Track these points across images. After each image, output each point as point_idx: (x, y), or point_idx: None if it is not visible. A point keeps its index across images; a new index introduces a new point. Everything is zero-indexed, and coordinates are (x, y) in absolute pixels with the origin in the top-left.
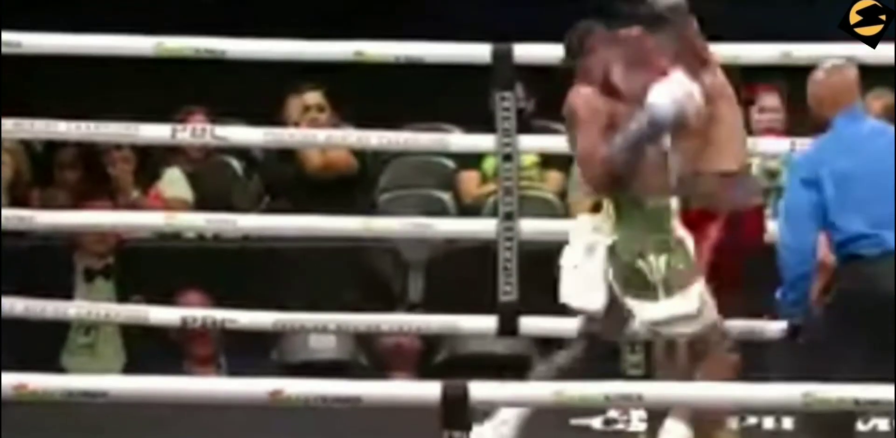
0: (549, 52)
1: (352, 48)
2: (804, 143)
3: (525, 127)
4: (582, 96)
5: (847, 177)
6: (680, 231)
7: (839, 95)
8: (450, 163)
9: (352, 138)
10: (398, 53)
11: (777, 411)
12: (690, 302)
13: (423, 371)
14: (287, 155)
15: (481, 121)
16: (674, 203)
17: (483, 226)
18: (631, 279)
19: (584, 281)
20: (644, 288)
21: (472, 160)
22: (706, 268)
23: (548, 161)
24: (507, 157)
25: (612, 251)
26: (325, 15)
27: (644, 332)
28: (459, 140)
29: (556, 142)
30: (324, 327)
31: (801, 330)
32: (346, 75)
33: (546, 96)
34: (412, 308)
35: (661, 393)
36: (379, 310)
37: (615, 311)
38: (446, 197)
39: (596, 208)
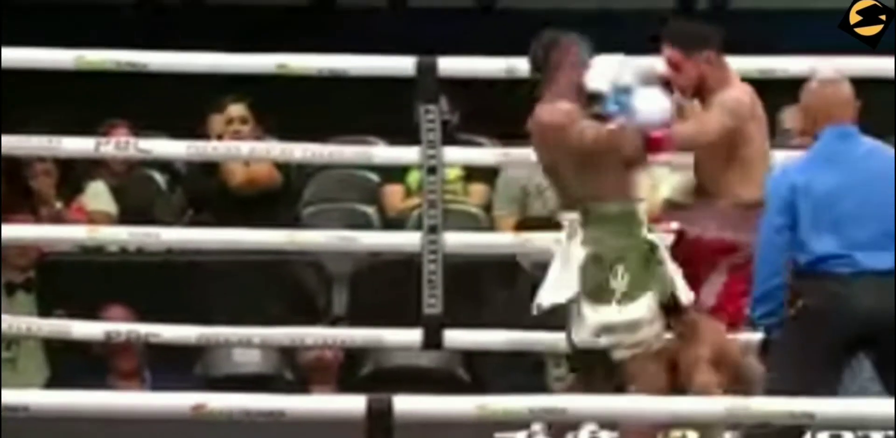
0: (473, 65)
1: (274, 61)
2: None
3: (449, 140)
4: (563, 111)
5: (828, 194)
6: (651, 237)
7: (831, 108)
8: (374, 177)
9: (275, 151)
10: (321, 66)
11: (701, 424)
12: (640, 310)
13: (346, 384)
14: (210, 168)
15: (405, 134)
16: (642, 208)
17: (407, 240)
18: (590, 284)
19: (556, 284)
20: (601, 292)
21: (396, 174)
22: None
23: (472, 174)
24: (432, 170)
25: (594, 259)
26: (248, 28)
27: (585, 341)
28: (383, 152)
29: (481, 155)
30: (248, 341)
31: (769, 344)
32: (269, 88)
33: (470, 109)
34: (336, 321)
35: (585, 407)
36: (303, 324)
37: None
38: (370, 210)
39: (521, 224)
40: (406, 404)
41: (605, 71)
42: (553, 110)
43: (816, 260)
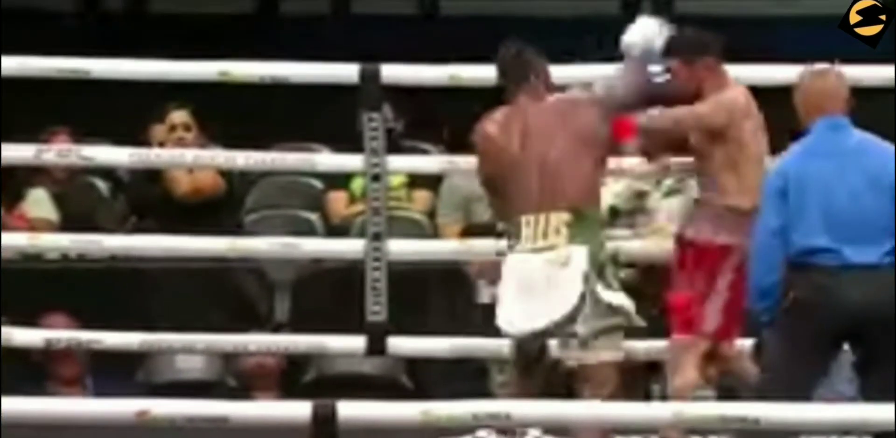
0: (416, 73)
1: (217, 68)
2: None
3: (393, 147)
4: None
5: (819, 186)
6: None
7: (822, 100)
8: (317, 184)
9: (219, 158)
10: (264, 73)
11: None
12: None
13: (289, 391)
14: (153, 175)
15: (349, 142)
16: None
17: (351, 246)
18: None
19: (555, 299)
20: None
21: (339, 180)
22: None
23: (415, 181)
24: (376, 177)
25: (591, 258)
26: (190, 35)
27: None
28: (327, 160)
29: (425, 163)
30: (191, 347)
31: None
32: (212, 96)
33: (414, 116)
34: (278, 328)
35: (529, 412)
36: (245, 330)
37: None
38: (314, 217)
39: (465, 231)
40: (350, 410)
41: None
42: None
43: (805, 251)
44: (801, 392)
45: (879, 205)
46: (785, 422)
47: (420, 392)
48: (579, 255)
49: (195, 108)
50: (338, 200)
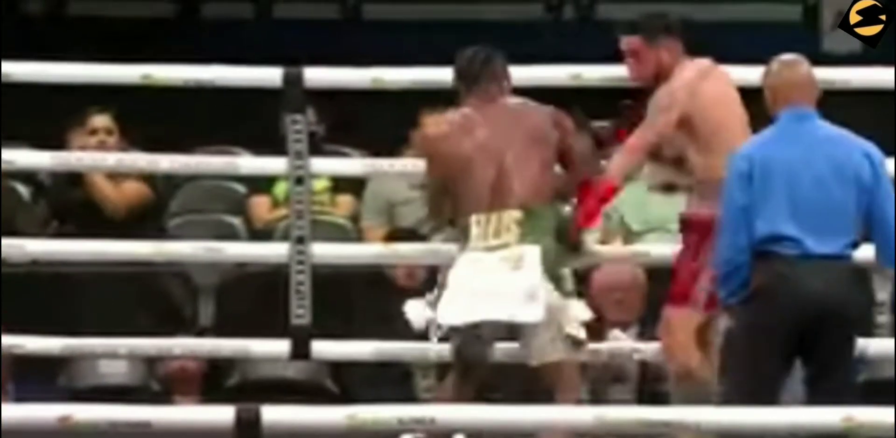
0: (339, 76)
1: (139, 71)
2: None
3: (316, 150)
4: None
5: (783, 174)
6: None
7: (789, 89)
8: (240, 188)
9: (141, 162)
10: (187, 77)
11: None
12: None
13: (212, 395)
14: (75, 179)
15: (271, 145)
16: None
17: (275, 250)
18: (557, 283)
19: (516, 295)
20: (567, 293)
21: (262, 185)
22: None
23: (339, 186)
24: (299, 181)
25: (544, 257)
26: (112, 39)
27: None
28: (250, 163)
29: (348, 166)
30: (114, 351)
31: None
32: (134, 99)
33: (337, 120)
34: (202, 332)
35: (454, 417)
36: (170, 335)
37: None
38: (237, 221)
39: (389, 235)
40: (274, 414)
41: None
42: (558, 111)
43: (768, 239)
44: (763, 382)
45: (843, 196)
46: (709, 425)
47: (344, 396)
48: (532, 256)
49: (116, 112)
50: (260, 205)
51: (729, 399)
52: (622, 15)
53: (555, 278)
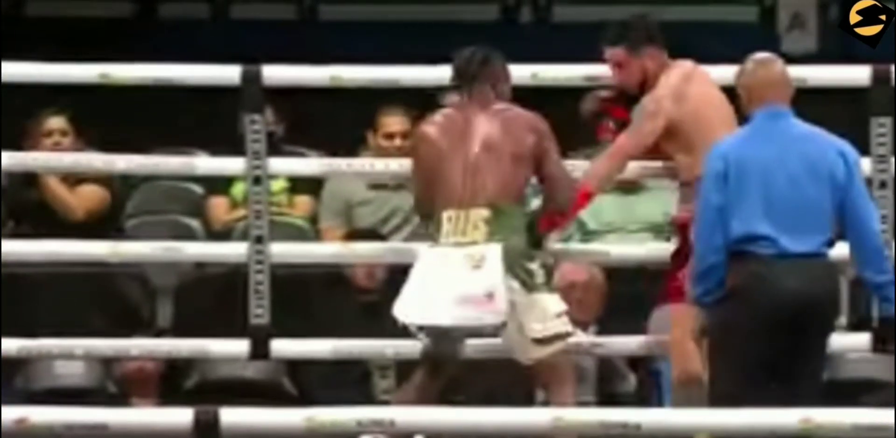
0: (297, 74)
1: (96, 70)
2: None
3: (274, 151)
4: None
5: (758, 173)
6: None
7: (764, 88)
8: (198, 189)
9: (97, 162)
10: (145, 75)
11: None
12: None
13: (170, 397)
14: (30, 179)
15: (228, 145)
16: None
17: (233, 250)
18: (514, 284)
19: (475, 295)
20: (535, 287)
21: (219, 186)
22: None
23: (296, 186)
24: (257, 181)
25: (506, 256)
26: (70, 38)
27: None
28: (208, 163)
29: (306, 166)
30: (70, 353)
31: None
32: (90, 100)
33: (295, 120)
34: (160, 333)
35: (413, 419)
36: (128, 336)
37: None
38: (194, 222)
39: (348, 236)
40: (233, 416)
41: None
42: (537, 115)
43: (745, 239)
44: (745, 381)
45: (818, 194)
46: (666, 428)
47: (303, 397)
48: (494, 255)
49: (72, 113)
50: (218, 206)
51: (715, 399)
52: (579, 17)
53: (523, 274)
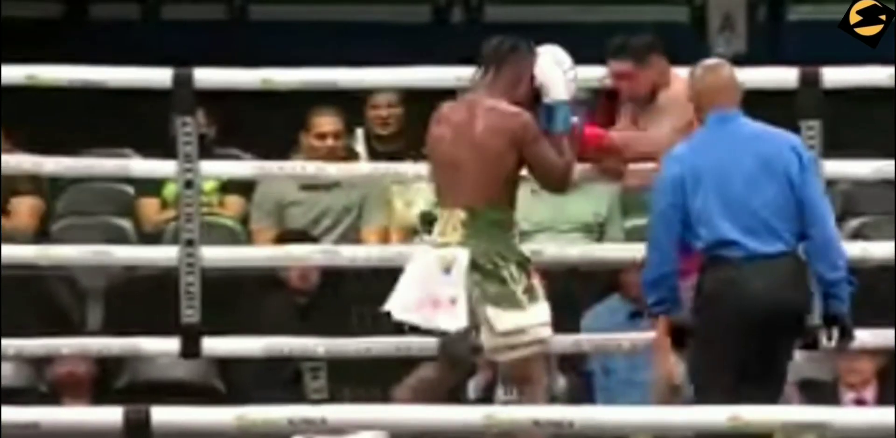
0: (229, 77)
1: (23, 72)
2: None
3: (206, 153)
4: (525, 116)
5: (714, 178)
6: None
7: (714, 94)
8: (129, 190)
9: (26, 164)
10: (73, 77)
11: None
12: (546, 311)
13: (101, 397)
14: None
15: (158, 147)
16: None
17: (164, 253)
18: (490, 288)
19: (440, 299)
20: (505, 296)
21: (151, 187)
22: None
23: (228, 187)
24: (188, 184)
25: (472, 261)
26: None
27: (493, 343)
28: (140, 165)
29: (238, 169)
30: (1, 353)
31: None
32: (19, 101)
33: (226, 123)
34: (91, 336)
35: (345, 417)
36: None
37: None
38: (126, 224)
39: (279, 237)
40: (164, 415)
41: (562, 84)
42: (518, 113)
43: (713, 245)
44: (721, 387)
45: (776, 192)
46: (599, 425)
47: (234, 398)
48: (462, 261)
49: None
50: (149, 206)
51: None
52: (510, 17)
53: (488, 282)
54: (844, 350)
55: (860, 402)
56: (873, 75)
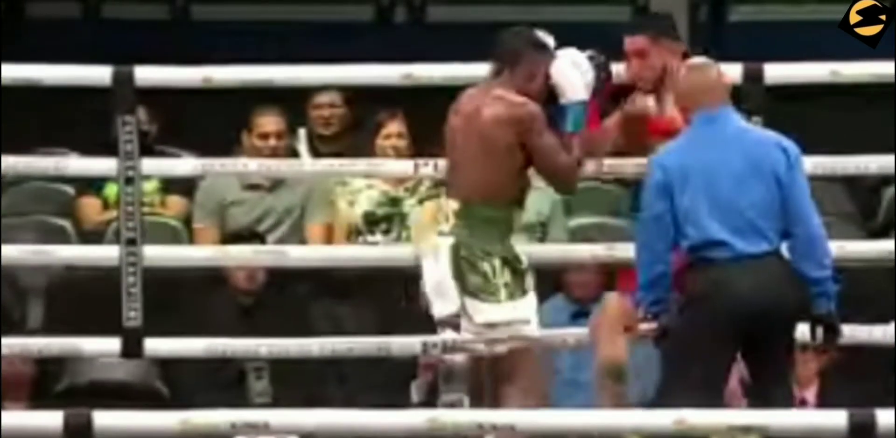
0: (170, 75)
1: None
2: (427, 164)
3: (147, 151)
4: (532, 107)
5: (701, 178)
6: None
7: (699, 94)
8: (69, 189)
9: None
10: (15, 76)
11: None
12: (530, 308)
13: (41, 401)
14: None
15: (100, 146)
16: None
17: (105, 253)
18: (471, 279)
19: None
20: (485, 289)
21: (91, 186)
22: None
23: (169, 187)
24: (130, 182)
25: (454, 251)
26: None
27: (472, 333)
28: (80, 164)
29: (179, 167)
30: None
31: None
32: None
33: (168, 121)
34: (31, 335)
35: (287, 421)
36: None
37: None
38: (66, 223)
39: (222, 236)
40: (106, 419)
41: (579, 86)
42: (524, 102)
43: (700, 245)
44: (704, 386)
45: (764, 192)
46: (540, 428)
47: (176, 400)
48: (445, 250)
49: None
50: (90, 206)
51: (672, 401)
52: (453, 17)
53: (471, 273)
54: (831, 347)
55: (802, 402)
56: (814, 72)
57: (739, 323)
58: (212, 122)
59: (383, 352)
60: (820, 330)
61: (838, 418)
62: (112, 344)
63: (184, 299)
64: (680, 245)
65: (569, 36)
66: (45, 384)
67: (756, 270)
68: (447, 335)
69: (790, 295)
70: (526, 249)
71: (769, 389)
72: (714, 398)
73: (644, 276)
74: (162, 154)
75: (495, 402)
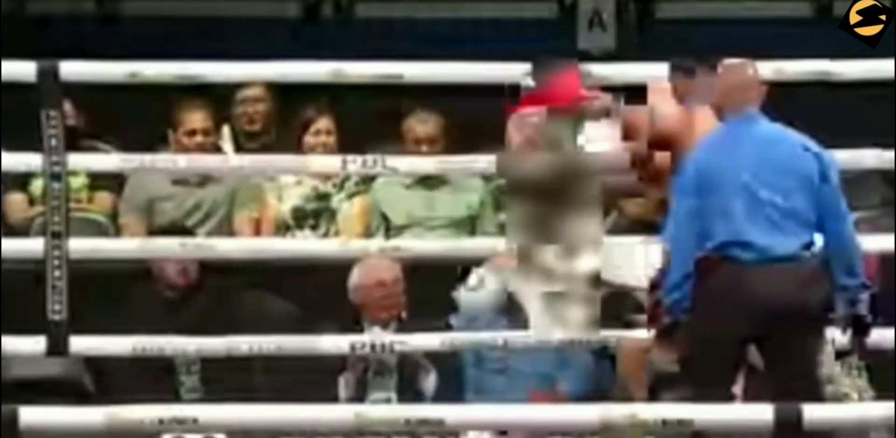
0: (95, 70)
1: None
2: (355, 160)
3: (74, 146)
4: None
5: (730, 178)
6: None
7: (736, 92)
8: None
9: None
10: None
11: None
12: None
13: None
14: None
15: (22, 141)
16: None
17: (30, 246)
18: None
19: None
20: None
21: (16, 182)
22: None
23: (96, 183)
24: (56, 177)
25: None
26: None
27: None
28: (5, 159)
29: (106, 162)
30: None
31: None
32: None
33: (95, 116)
34: None
35: (217, 416)
36: None
37: None
38: None
39: (151, 232)
40: (33, 415)
41: None
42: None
43: (724, 245)
44: (716, 387)
45: (795, 195)
46: (469, 423)
47: (104, 391)
48: None
49: None
50: (15, 202)
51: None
52: (381, 13)
53: None
54: (860, 346)
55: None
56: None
57: (752, 323)
58: (140, 118)
59: (311, 351)
60: (849, 331)
61: (765, 412)
62: (37, 342)
63: (111, 293)
64: (705, 242)
65: (492, 32)
66: None
67: (779, 272)
68: (375, 334)
69: (811, 298)
70: (450, 244)
71: (789, 383)
72: (719, 396)
73: (675, 276)
74: (92, 149)
75: None
